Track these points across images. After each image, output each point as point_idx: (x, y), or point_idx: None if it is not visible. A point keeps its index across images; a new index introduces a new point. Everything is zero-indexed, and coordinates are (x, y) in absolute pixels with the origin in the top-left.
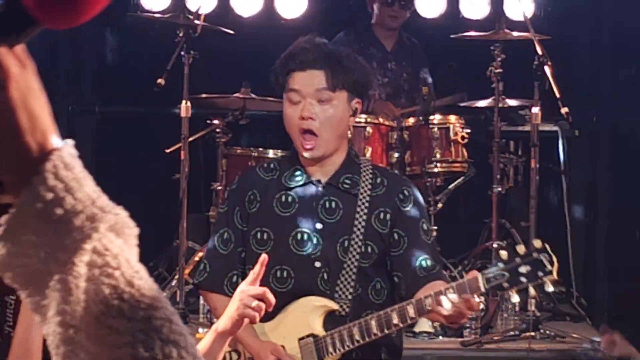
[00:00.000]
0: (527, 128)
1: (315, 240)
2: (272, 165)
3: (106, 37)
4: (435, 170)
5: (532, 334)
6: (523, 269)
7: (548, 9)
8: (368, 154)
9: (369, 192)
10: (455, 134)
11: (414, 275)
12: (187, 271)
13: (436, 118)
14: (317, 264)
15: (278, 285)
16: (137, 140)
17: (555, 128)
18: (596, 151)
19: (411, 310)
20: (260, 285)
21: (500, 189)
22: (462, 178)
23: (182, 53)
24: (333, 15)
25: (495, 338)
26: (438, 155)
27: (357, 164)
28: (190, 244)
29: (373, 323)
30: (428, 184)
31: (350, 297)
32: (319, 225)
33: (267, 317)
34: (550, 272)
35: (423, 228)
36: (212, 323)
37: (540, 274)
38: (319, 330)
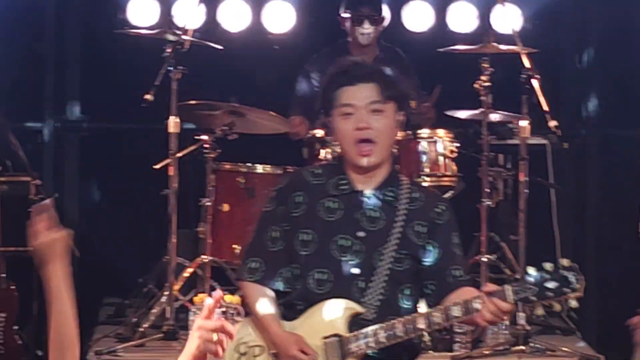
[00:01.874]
0: (516, 141)
1: (357, 248)
2: (319, 171)
3: (93, 52)
4: (424, 184)
5: (522, 347)
6: (550, 284)
7: (535, 22)
8: None
9: (407, 206)
10: (444, 148)
11: (444, 283)
12: (176, 287)
13: (424, 132)
14: (356, 271)
15: (317, 287)
16: (125, 156)
17: (544, 141)
18: (585, 164)
19: (438, 316)
20: (299, 286)
21: (489, 202)
22: (451, 192)
23: (170, 69)
24: (321, 30)
25: (486, 352)
26: (427, 170)
27: (398, 179)
28: (180, 260)
29: (399, 326)
30: None
31: (378, 303)
32: (360, 234)
33: (294, 315)
34: (577, 290)
35: (455, 242)
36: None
37: (566, 290)
38: (344, 331)
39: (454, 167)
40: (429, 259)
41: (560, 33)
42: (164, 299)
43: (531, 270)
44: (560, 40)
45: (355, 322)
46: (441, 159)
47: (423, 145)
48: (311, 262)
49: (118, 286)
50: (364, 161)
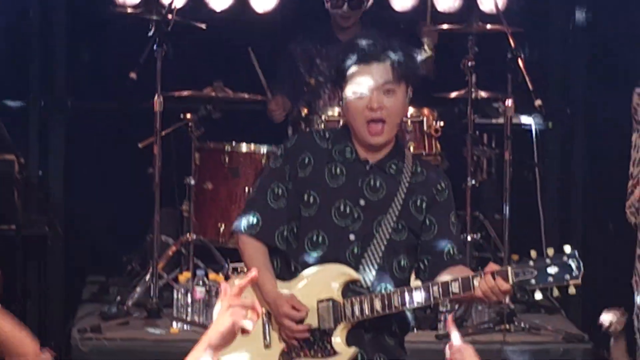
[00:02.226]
0: (501, 120)
1: (356, 215)
2: (326, 135)
3: (78, 31)
4: None
5: (507, 326)
6: (551, 270)
7: (521, 1)
8: None
9: (409, 179)
10: (429, 126)
11: (439, 259)
12: (160, 265)
13: (409, 111)
14: (352, 237)
15: (310, 248)
16: (109, 134)
17: (529, 120)
18: (570, 143)
19: (436, 291)
20: (295, 245)
21: (473, 181)
22: None
23: (155, 47)
24: (305, 9)
25: (470, 331)
26: (412, 148)
27: (403, 152)
28: (164, 238)
29: (395, 297)
30: None
31: (374, 271)
32: (362, 202)
33: (289, 275)
34: (577, 277)
35: (452, 220)
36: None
37: (567, 277)
38: (338, 296)
39: (439, 146)
40: (426, 234)
41: (546, 12)
42: (147, 277)
43: (533, 254)
44: (546, 19)
45: (350, 288)
46: (426, 138)
47: (408, 124)
48: (310, 224)
49: (102, 264)
50: (374, 140)
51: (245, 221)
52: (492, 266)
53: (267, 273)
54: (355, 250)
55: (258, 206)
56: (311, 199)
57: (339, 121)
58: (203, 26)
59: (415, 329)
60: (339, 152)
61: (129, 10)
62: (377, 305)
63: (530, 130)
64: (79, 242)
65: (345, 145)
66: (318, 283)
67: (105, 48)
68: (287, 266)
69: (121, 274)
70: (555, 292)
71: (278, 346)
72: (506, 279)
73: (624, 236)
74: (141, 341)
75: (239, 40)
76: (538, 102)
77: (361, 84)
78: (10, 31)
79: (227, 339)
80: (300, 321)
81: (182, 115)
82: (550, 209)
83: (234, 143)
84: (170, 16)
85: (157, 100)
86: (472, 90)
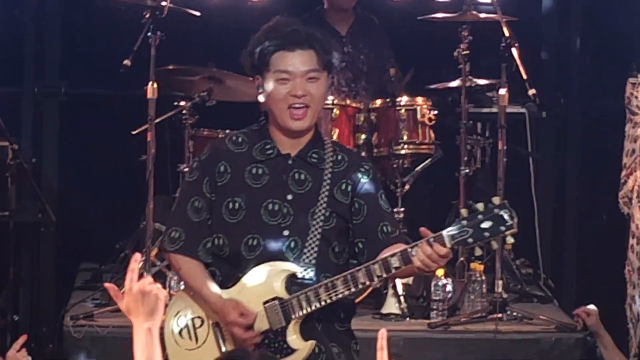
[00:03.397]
0: (495, 110)
1: (285, 211)
2: (240, 139)
3: (72, 18)
4: (403, 152)
5: (499, 315)
6: (485, 225)
7: None
8: (335, 136)
9: (331, 167)
10: (423, 115)
11: (375, 239)
12: (153, 253)
13: (403, 100)
14: (286, 232)
15: (248, 253)
16: (103, 121)
17: (523, 110)
18: (564, 133)
19: (377, 269)
20: (232, 253)
21: (467, 170)
22: (429, 160)
23: (149, 34)
24: None
25: (463, 320)
26: (405, 137)
27: (322, 141)
28: (157, 226)
29: (339, 283)
30: (395, 166)
31: (313, 261)
32: (289, 197)
33: (230, 282)
34: (512, 226)
35: (382, 198)
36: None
37: (502, 228)
38: (283, 294)
39: (432, 135)
40: (357, 217)
41: (540, 1)
42: (140, 264)
43: (464, 213)
44: (540, 8)
45: (293, 282)
46: (419, 126)
47: (401, 113)
48: (242, 230)
49: (95, 252)
50: (296, 124)
51: (167, 238)
52: (426, 232)
53: (209, 285)
54: (292, 245)
55: (179, 221)
56: (236, 205)
57: (332, 109)
58: (197, 13)
59: (408, 318)
60: (259, 151)
61: None
62: (323, 294)
63: (525, 120)
64: (72, 229)
65: (265, 142)
66: (260, 285)
67: (99, 34)
68: (228, 275)
69: (114, 261)
70: (495, 246)
71: None
72: (443, 243)
73: (617, 226)
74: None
75: (233, 27)
76: (532, 91)
77: (285, 70)
78: (4, 17)
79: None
80: (250, 326)
81: (176, 103)
82: (544, 198)
83: (227, 131)
84: (164, 3)
85: (151, 87)
86: (466, 79)
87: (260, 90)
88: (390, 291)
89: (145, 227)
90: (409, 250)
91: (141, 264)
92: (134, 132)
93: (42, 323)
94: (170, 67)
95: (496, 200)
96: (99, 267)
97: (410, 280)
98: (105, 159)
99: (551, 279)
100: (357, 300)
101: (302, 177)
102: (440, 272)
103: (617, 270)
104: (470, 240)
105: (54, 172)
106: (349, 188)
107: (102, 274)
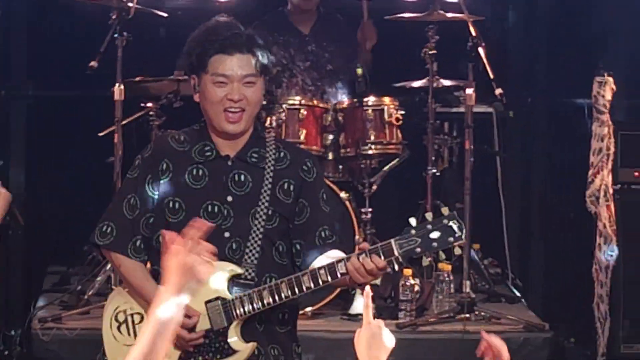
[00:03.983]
0: (462, 109)
1: (225, 212)
2: (182, 138)
3: (38, 19)
4: (370, 152)
5: (467, 315)
6: (434, 235)
7: None
8: (302, 137)
9: (273, 166)
10: (390, 115)
11: (312, 243)
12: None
13: (370, 100)
14: (227, 234)
15: None
16: (70, 123)
17: (490, 109)
18: (531, 132)
19: (323, 273)
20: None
21: (434, 170)
22: (396, 160)
23: (116, 36)
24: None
25: (431, 320)
26: (372, 137)
27: (263, 139)
28: None
29: (283, 286)
30: (363, 166)
31: (255, 262)
32: (229, 198)
33: None
34: (460, 237)
35: (324, 198)
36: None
37: (450, 239)
38: (226, 294)
39: (400, 135)
40: (298, 218)
41: (508, 1)
42: (108, 266)
43: (413, 222)
44: (507, 7)
45: (236, 283)
46: (387, 126)
47: (368, 113)
48: (181, 229)
49: (63, 254)
50: (231, 127)
51: (98, 231)
52: (365, 245)
53: (150, 284)
54: (234, 246)
55: (112, 217)
56: (176, 205)
57: (299, 109)
58: (164, 14)
59: (376, 319)
60: (199, 152)
61: None
62: (267, 297)
63: (492, 119)
64: (40, 231)
65: (204, 144)
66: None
67: (65, 36)
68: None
69: (82, 263)
70: (442, 256)
71: (174, 354)
72: (391, 251)
73: (585, 225)
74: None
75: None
76: (499, 91)
77: (223, 73)
78: None
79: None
80: (193, 327)
81: (143, 104)
82: (511, 198)
83: None
84: (131, 4)
85: (118, 88)
86: (433, 79)
87: (197, 90)
88: (358, 292)
89: None
90: (357, 256)
91: (109, 266)
92: (101, 134)
93: (10, 326)
94: (137, 79)
95: (445, 210)
96: (67, 269)
97: (378, 281)
98: (73, 161)
99: (519, 279)
100: (325, 301)
101: (242, 178)
102: (408, 272)
103: (584, 269)
104: (418, 249)
105: (21, 174)
106: (291, 187)
107: (70, 277)
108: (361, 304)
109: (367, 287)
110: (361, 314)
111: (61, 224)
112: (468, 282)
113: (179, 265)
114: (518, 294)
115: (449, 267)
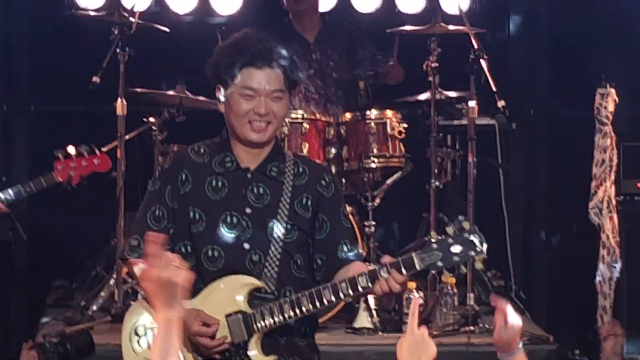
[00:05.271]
0: (464, 122)
1: (244, 224)
2: (202, 150)
3: (42, 35)
4: (373, 165)
5: (471, 328)
6: (455, 249)
7: (484, 2)
8: (305, 150)
9: (292, 180)
10: (393, 128)
11: (334, 257)
12: (124, 270)
13: (373, 113)
14: (246, 246)
15: (209, 264)
16: (73, 138)
17: (492, 121)
18: (533, 144)
19: (345, 287)
20: (193, 262)
21: (437, 183)
22: (399, 173)
23: (118, 51)
24: (267, 11)
25: (435, 333)
26: (375, 151)
27: (283, 153)
28: None
29: (304, 299)
30: (366, 179)
31: (275, 275)
32: (248, 210)
33: (194, 293)
34: (481, 252)
35: (344, 213)
36: None
37: (472, 253)
38: (246, 307)
39: (403, 148)
40: (319, 233)
41: (509, 13)
42: (112, 282)
43: (434, 236)
44: (509, 20)
45: (256, 297)
46: (389, 140)
47: (371, 126)
48: (202, 240)
49: (66, 269)
50: (256, 137)
51: (127, 245)
52: (388, 258)
53: None
54: (254, 258)
55: (139, 229)
56: (197, 215)
57: (301, 123)
58: (166, 29)
59: (380, 332)
60: (219, 163)
61: (92, 13)
62: (288, 311)
63: (494, 131)
64: (43, 247)
65: (225, 154)
66: (223, 297)
67: (68, 51)
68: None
69: (86, 278)
70: (464, 270)
71: None
72: (413, 265)
73: (588, 237)
74: (105, 346)
75: (202, 43)
76: (501, 103)
77: (251, 87)
78: None
79: (167, 290)
80: (214, 335)
81: (145, 119)
82: (514, 210)
83: None
84: (133, 19)
85: (120, 103)
86: (436, 91)
87: (222, 101)
88: (362, 305)
89: (116, 244)
90: (378, 270)
91: (113, 281)
92: (103, 149)
93: (14, 341)
94: (138, 90)
95: (466, 224)
96: (71, 284)
97: None
98: None
99: (522, 291)
100: (330, 315)
101: (261, 190)
102: (412, 285)
103: (588, 281)
104: (439, 263)
105: None
106: (309, 202)
107: (73, 292)
108: (365, 317)
109: (416, 296)
110: (365, 327)
111: (64, 239)
112: (472, 295)
113: (157, 285)
114: (522, 306)
115: (452, 280)
